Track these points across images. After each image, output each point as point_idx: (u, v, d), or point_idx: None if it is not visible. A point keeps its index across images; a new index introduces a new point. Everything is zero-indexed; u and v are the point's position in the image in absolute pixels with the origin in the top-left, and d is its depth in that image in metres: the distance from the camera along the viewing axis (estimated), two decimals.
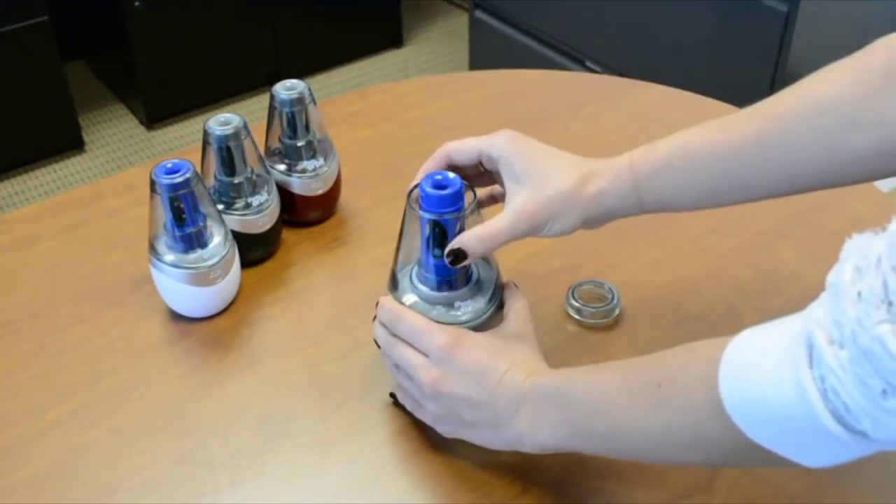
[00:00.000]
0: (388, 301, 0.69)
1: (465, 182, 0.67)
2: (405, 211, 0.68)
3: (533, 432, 0.62)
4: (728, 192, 0.66)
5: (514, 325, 0.68)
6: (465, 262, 0.66)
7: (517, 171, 0.67)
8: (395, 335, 0.68)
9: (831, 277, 0.44)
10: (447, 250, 0.66)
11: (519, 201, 0.66)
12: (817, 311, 0.45)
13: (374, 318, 0.70)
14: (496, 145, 0.68)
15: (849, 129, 0.60)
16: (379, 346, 0.70)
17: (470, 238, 0.66)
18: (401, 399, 0.71)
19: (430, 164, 0.70)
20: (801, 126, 0.62)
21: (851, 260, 0.44)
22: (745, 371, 0.48)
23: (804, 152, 0.62)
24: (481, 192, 0.73)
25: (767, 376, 0.46)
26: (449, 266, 0.67)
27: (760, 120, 0.64)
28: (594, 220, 0.68)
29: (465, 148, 0.70)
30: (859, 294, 0.42)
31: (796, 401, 0.45)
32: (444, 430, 0.67)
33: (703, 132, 0.65)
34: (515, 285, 0.71)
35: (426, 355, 0.65)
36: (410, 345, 0.66)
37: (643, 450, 0.58)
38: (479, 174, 0.72)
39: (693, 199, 0.66)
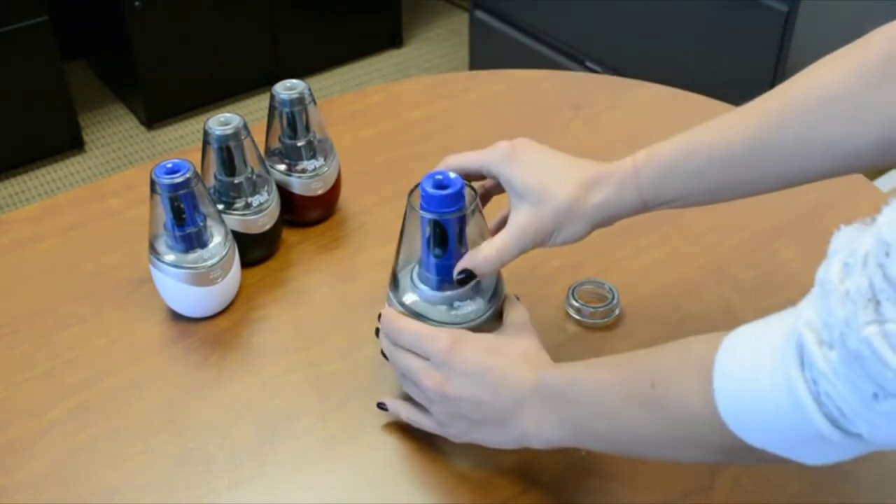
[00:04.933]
0: (388, 312, 0.69)
1: (465, 182, 0.67)
2: (406, 211, 0.68)
3: (538, 431, 0.62)
4: (730, 191, 0.67)
5: (513, 326, 0.68)
6: (475, 281, 0.68)
7: (517, 187, 0.67)
8: (397, 344, 0.68)
9: (820, 274, 0.44)
10: (456, 271, 0.67)
11: (521, 217, 0.67)
12: (807, 311, 0.44)
13: (377, 330, 0.70)
14: (492, 162, 0.69)
15: (849, 124, 0.59)
16: (387, 358, 0.70)
17: (476, 259, 0.67)
18: (402, 413, 0.70)
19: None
20: (800, 123, 0.61)
21: (839, 255, 0.43)
22: (738, 377, 0.48)
23: (803, 150, 0.62)
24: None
25: (761, 382, 0.46)
26: (459, 284, 0.68)
27: (758, 119, 0.64)
28: (601, 224, 0.68)
29: (465, 162, 0.70)
30: (847, 292, 0.41)
31: (790, 406, 0.44)
32: (453, 433, 0.67)
33: (703, 134, 0.66)
34: (517, 297, 0.71)
35: (428, 360, 0.66)
36: (412, 352, 0.67)
37: (644, 449, 0.59)
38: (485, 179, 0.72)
39: (696, 200, 0.67)
